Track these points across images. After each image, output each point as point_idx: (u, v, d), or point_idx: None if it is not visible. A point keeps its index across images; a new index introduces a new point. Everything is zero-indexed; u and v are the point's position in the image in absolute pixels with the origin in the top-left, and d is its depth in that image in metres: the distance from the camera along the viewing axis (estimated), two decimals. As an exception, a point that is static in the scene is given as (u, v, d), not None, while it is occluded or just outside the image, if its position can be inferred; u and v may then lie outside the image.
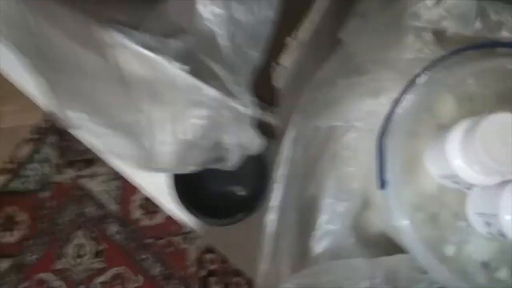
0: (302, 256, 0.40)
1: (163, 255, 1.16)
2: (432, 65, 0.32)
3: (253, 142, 0.27)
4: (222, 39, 0.21)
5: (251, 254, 0.45)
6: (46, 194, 1.21)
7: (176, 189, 0.36)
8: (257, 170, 0.35)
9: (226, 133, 0.24)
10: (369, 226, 0.42)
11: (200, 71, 0.21)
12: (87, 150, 1.19)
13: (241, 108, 0.23)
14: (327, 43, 0.30)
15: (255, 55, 0.23)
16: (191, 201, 0.36)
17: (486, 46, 0.30)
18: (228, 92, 0.22)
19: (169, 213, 0.44)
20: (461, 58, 0.31)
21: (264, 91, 0.25)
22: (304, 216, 0.40)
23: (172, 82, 0.22)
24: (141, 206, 1.17)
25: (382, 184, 0.30)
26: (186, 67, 0.21)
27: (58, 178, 1.21)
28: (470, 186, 0.27)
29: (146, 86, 0.21)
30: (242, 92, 0.23)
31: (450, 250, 0.28)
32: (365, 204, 0.41)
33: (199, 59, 0.21)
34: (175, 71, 0.21)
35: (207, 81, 0.21)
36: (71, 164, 1.22)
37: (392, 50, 0.35)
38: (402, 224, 0.29)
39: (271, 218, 0.38)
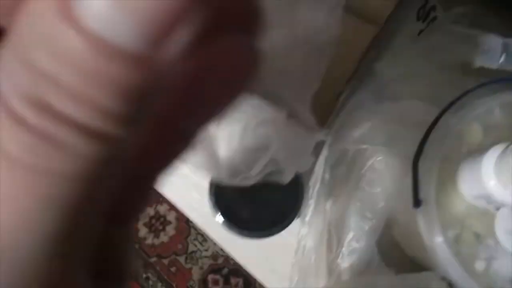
0: (329, 271, 0.41)
1: (167, 274, 1.16)
2: (461, 96, 0.34)
3: (308, 160, 0.29)
4: (289, 64, 0.24)
5: (275, 268, 0.47)
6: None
7: (212, 197, 0.38)
8: (291, 186, 0.38)
9: (284, 150, 0.27)
10: (391, 245, 0.44)
11: (267, 92, 0.24)
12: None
13: (304, 128, 0.26)
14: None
15: (317, 80, 0.26)
16: (226, 212, 0.38)
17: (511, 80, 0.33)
18: (292, 112, 0.25)
19: (196, 222, 0.46)
20: (488, 90, 0.34)
21: (319, 113, 0.27)
22: (331, 232, 0.42)
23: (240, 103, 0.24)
24: (147, 225, 1.18)
25: (417, 203, 0.32)
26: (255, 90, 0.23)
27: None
28: (500, 206, 0.29)
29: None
30: (306, 114, 0.26)
31: (480, 266, 0.31)
32: (389, 224, 0.43)
33: (266, 81, 0.24)
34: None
35: (273, 102, 0.24)
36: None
37: (421, 80, 0.38)
38: (436, 240, 0.31)
39: (303, 232, 0.40)
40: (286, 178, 0.28)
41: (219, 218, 0.38)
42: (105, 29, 0.08)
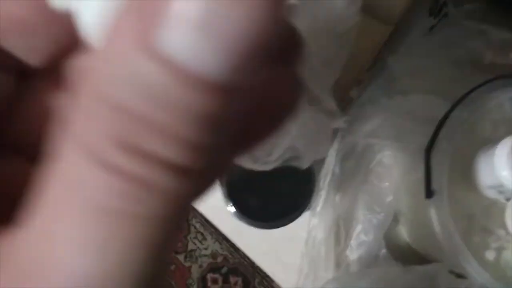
0: (338, 263, 0.42)
1: (166, 272, 1.16)
2: (471, 90, 0.35)
3: (326, 147, 0.30)
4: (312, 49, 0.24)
5: (283, 260, 0.47)
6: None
7: (224, 189, 0.38)
8: (303, 177, 0.38)
9: (303, 136, 0.27)
10: (398, 239, 0.45)
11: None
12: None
13: (324, 115, 0.26)
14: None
15: (337, 68, 0.26)
16: (239, 202, 0.38)
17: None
18: (313, 98, 0.25)
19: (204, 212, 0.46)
20: (498, 85, 0.35)
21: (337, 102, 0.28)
22: (340, 225, 0.43)
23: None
24: (146, 222, 1.18)
25: (429, 193, 0.32)
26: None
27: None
28: (511, 196, 0.30)
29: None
30: (327, 100, 0.26)
31: (490, 255, 0.31)
32: (395, 218, 0.44)
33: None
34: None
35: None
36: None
37: (432, 75, 0.39)
38: (448, 230, 0.31)
39: (314, 223, 0.40)
40: (305, 164, 0.29)
41: (231, 209, 0.39)
42: (191, 60, 0.08)
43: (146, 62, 0.08)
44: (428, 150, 0.33)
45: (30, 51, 0.12)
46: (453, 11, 0.37)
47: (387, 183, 0.42)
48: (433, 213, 0.33)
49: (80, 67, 0.13)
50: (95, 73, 0.09)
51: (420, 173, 0.36)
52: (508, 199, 0.31)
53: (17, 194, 0.12)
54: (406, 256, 0.44)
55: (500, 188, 0.29)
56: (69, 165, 0.09)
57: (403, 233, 0.45)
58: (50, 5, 0.11)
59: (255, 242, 0.46)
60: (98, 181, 0.08)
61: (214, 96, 0.08)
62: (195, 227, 1.18)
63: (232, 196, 0.38)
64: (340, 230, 0.42)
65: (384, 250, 0.43)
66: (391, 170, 0.42)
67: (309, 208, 0.40)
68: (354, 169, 0.43)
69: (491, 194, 0.31)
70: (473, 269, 0.31)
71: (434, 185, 0.33)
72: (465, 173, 0.33)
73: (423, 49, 0.38)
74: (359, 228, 0.42)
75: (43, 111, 0.13)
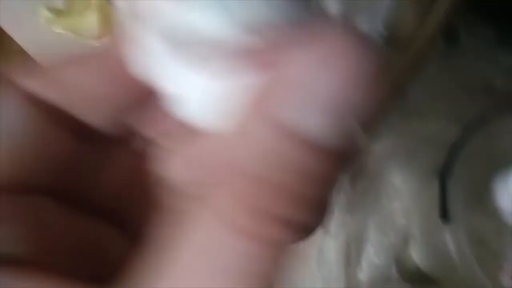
0: (348, 284, 0.42)
1: None
2: (484, 115, 0.36)
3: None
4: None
5: (292, 278, 0.47)
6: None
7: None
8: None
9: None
10: (408, 261, 0.45)
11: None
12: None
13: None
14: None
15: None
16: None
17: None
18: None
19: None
20: (510, 110, 0.35)
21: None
22: (350, 246, 0.43)
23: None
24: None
25: (445, 218, 0.33)
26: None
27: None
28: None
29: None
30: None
31: (507, 283, 0.31)
32: (406, 240, 0.44)
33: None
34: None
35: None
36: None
37: (445, 99, 0.39)
38: (464, 254, 0.32)
39: (326, 243, 0.40)
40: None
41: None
42: (316, 134, 0.09)
43: (277, 138, 0.09)
44: (443, 174, 0.34)
45: (96, 116, 0.13)
46: (465, 37, 0.38)
47: (398, 205, 0.43)
48: (448, 237, 0.33)
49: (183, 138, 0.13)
50: (231, 149, 0.10)
51: (432, 197, 0.36)
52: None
53: (98, 256, 0.13)
54: (417, 278, 0.44)
55: (515, 212, 0.29)
56: (203, 232, 0.10)
57: (414, 255, 0.45)
58: (131, 71, 0.12)
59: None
60: (230, 245, 0.09)
61: (330, 160, 0.10)
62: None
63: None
64: (351, 251, 0.42)
65: (394, 272, 0.43)
66: (402, 192, 0.43)
67: (321, 227, 0.40)
68: (366, 189, 0.43)
69: (506, 218, 0.31)
70: (487, 292, 0.31)
71: (450, 210, 0.33)
72: (479, 197, 0.33)
73: (437, 74, 0.39)
74: (369, 249, 0.42)
75: (123, 175, 0.14)
